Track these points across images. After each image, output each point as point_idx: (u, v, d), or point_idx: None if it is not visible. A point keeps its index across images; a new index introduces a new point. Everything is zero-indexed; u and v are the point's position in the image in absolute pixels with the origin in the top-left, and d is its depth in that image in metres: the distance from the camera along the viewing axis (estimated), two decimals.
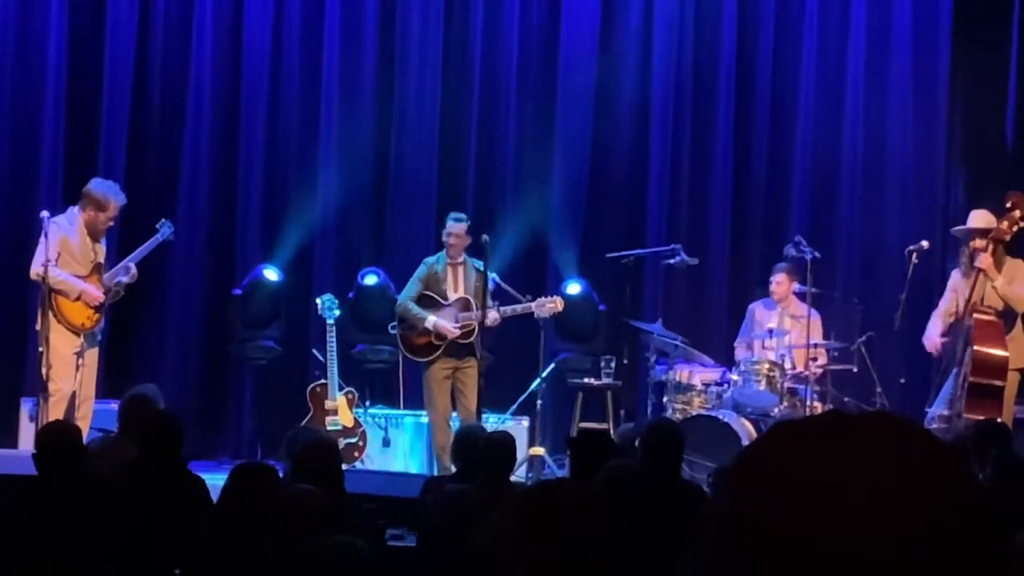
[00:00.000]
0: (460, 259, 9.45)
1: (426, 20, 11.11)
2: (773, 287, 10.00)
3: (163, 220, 9.22)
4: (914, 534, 1.11)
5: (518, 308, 9.35)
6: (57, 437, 5.21)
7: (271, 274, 10.59)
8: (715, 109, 11.17)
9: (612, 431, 9.52)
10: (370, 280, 10.54)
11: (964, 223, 8.97)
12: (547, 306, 9.34)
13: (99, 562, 4.73)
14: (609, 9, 11.21)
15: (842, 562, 1.11)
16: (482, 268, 9.22)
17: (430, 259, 9.55)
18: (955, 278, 8.98)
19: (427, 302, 9.40)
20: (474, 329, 9.25)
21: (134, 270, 8.92)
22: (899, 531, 1.11)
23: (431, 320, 9.31)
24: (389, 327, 9.69)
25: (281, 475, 5.33)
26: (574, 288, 10.53)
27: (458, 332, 9.27)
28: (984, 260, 8.60)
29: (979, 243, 8.71)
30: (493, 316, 9.21)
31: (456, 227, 9.39)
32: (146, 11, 10.89)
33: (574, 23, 11.17)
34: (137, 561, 4.91)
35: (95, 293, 8.70)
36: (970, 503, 1.13)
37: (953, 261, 9.25)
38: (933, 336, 8.88)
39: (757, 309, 10.17)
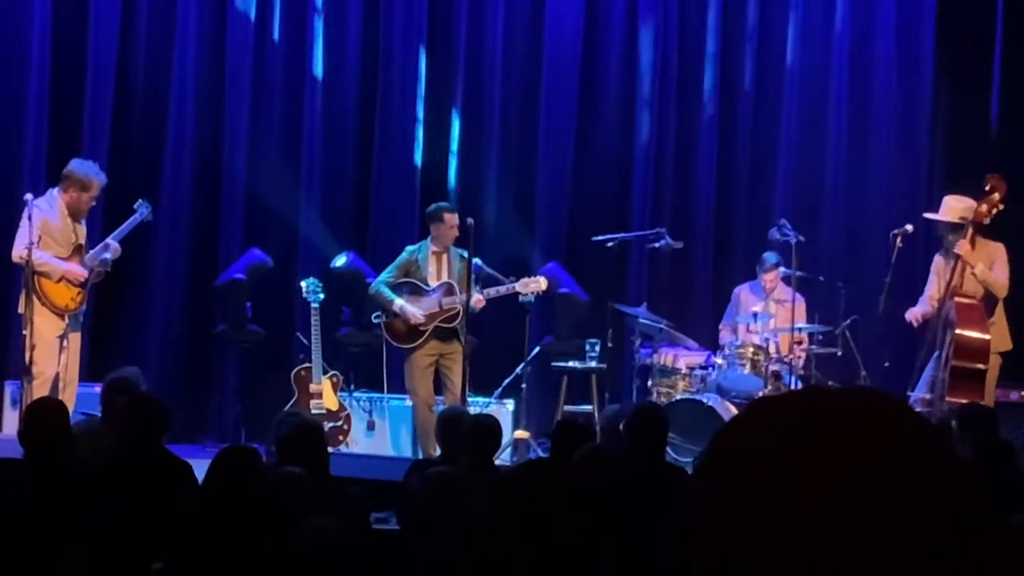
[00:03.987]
0: (445, 247, 9.44)
1: (410, 2, 11.07)
2: (768, 284, 9.96)
3: (140, 200, 9.07)
4: (889, 503, 1.11)
5: (502, 289, 9.36)
6: (44, 414, 5.19)
7: (265, 257, 10.52)
8: (699, 92, 11.16)
9: (597, 415, 9.55)
10: (339, 261, 10.43)
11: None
12: (531, 287, 9.35)
13: (84, 544, 4.72)
14: None
15: (817, 529, 1.11)
16: (466, 255, 9.20)
17: (412, 247, 9.53)
18: (938, 262, 8.99)
19: (410, 289, 9.39)
20: (458, 313, 9.24)
21: (116, 246, 8.84)
22: (874, 499, 1.11)
23: (398, 303, 9.31)
24: (373, 316, 9.68)
25: (266, 459, 5.33)
26: None
27: (422, 319, 9.25)
28: (963, 247, 8.59)
29: (951, 237, 8.69)
30: (477, 299, 9.21)
31: (456, 218, 9.35)
32: None
33: (560, 6, 11.15)
34: (121, 544, 4.90)
35: (78, 270, 8.65)
36: (948, 474, 1.13)
37: (937, 245, 9.25)
38: (916, 312, 8.89)
39: (742, 292, 10.18)
